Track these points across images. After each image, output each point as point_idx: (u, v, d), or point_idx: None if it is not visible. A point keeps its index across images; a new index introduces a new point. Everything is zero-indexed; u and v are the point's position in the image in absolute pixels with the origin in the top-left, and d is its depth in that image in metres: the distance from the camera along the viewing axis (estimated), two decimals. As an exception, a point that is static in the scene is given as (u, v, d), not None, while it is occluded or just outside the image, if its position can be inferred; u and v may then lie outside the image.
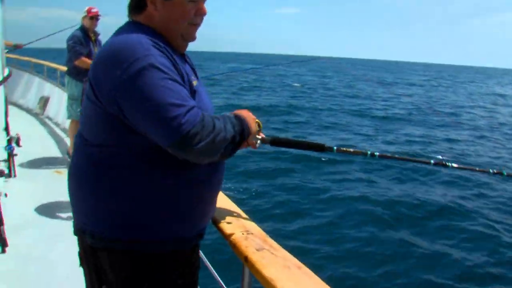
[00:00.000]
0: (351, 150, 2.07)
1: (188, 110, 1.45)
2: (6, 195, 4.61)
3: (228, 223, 1.93)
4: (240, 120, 1.69)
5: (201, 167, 1.65)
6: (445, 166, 2.24)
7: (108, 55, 1.56)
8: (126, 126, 1.53)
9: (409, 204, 9.80)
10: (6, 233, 4.23)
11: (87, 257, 1.73)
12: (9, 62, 12.21)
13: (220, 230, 1.90)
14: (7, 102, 7.82)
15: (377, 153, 2.10)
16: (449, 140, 18.04)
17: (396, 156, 2.24)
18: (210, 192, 1.77)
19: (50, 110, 10.13)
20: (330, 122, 21.46)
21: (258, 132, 1.87)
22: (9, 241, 4.23)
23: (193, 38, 1.76)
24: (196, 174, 1.65)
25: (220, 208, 2.03)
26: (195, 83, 1.68)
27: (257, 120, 1.86)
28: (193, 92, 1.64)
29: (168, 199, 1.61)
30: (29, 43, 9.83)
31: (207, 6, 1.76)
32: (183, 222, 1.67)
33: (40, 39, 10.58)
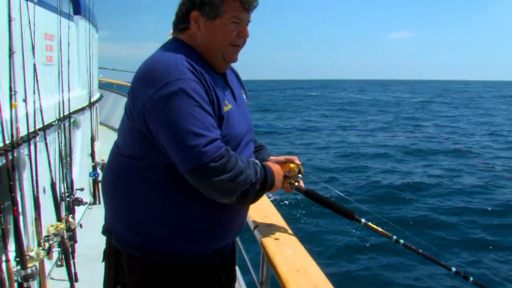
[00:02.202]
0: (379, 229, 2.06)
1: (209, 142, 1.50)
2: (81, 225, 4.37)
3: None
4: (266, 171, 1.72)
5: None
6: (466, 279, 2.27)
7: (145, 72, 1.62)
8: (151, 143, 1.59)
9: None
10: (77, 266, 3.97)
11: (110, 256, 1.79)
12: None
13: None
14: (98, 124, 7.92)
15: (402, 241, 2.09)
16: None
17: (420, 251, 2.15)
18: (229, 215, 1.76)
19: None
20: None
21: (296, 178, 1.97)
22: (80, 275, 3.97)
23: (233, 59, 1.79)
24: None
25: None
26: (226, 108, 1.68)
27: (299, 165, 1.98)
28: (220, 118, 1.64)
29: (183, 216, 1.66)
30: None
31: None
32: (197, 239, 1.71)
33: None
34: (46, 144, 3.53)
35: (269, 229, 2.12)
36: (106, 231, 1.81)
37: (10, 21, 2.78)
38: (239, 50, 1.78)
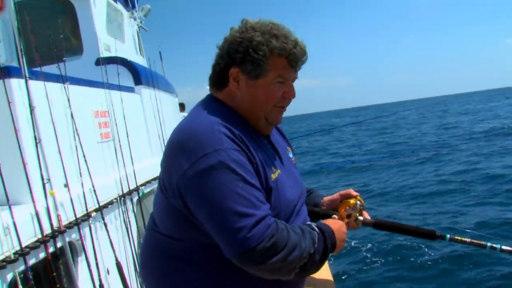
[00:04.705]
0: (468, 240, 1.82)
1: (257, 221, 1.32)
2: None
3: None
4: (324, 235, 1.50)
5: None
6: None
7: (178, 141, 1.44)
8: (189, 221, 1.42)
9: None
10: None
11: None
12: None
13: None
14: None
15: (498, 246, 1.81)
16: None
17: None
18: None
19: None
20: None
21: (361, 211, 1.82)
22: None
23: (277, 122, 1.62)
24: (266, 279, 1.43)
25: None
26: (274, 175, 1.50)
27: (359, 198, 1.82)
28: (269, 188, 1.46)
29: None
30: None
31: None
32: None
33: None
34: (105, 224, 3.43)
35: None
36: None
37: (31, 110, 2.75)
38: (283, 111, 1.62)
